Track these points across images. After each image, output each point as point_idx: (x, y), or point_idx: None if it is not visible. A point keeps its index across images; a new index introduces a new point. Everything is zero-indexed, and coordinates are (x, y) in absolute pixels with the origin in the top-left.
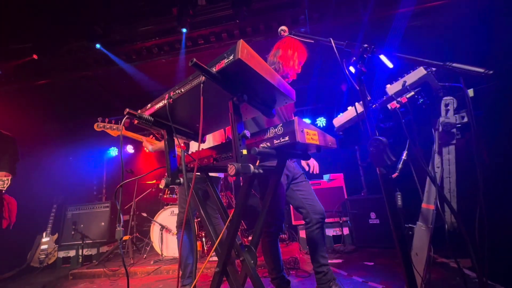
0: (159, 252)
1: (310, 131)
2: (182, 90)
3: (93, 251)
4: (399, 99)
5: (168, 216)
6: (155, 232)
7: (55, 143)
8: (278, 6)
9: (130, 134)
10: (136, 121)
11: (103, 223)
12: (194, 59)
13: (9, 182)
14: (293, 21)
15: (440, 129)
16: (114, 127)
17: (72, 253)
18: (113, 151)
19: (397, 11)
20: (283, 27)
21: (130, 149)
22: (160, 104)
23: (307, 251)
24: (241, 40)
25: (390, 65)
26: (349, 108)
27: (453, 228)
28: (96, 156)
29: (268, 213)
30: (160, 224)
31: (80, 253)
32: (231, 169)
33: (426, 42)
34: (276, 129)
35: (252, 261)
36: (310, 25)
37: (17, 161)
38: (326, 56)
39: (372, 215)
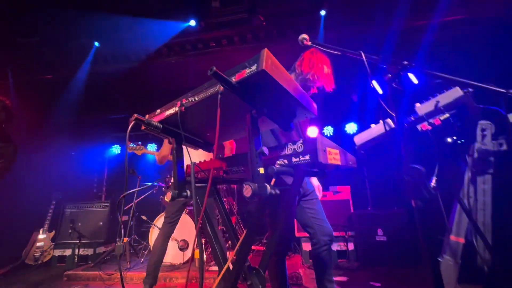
0: None
1: (332, 150)
2: (196, 99)
3: (90, 251)
4: (431, 120)
5: None
6: (154, 236)
7: (58, 137)
8: (294, 12)
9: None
10: (143, 127)
11: (101, 223)
12: (214, 68)
13: None
14: (308, 28)
15: (476, 155)
16: (137, 148)
17: (68, 252)
18: (116, 149)
19: (420, 22)
20: (305, 36)
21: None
22: (171, 111)
23: (310, 264)
24: (266, 49)
25: (415, 80)
26: (372, 125)
27: (485, 265)
28: (98, 153)
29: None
30: (159, 229)
31: (76, 253)
32: (247, 190)
33: (449, 57)
34: (296, 146)
35: (260, 286)
36: (326, 33)
37: (6, 173)
38: (336, 63)
39: (380, 231)
